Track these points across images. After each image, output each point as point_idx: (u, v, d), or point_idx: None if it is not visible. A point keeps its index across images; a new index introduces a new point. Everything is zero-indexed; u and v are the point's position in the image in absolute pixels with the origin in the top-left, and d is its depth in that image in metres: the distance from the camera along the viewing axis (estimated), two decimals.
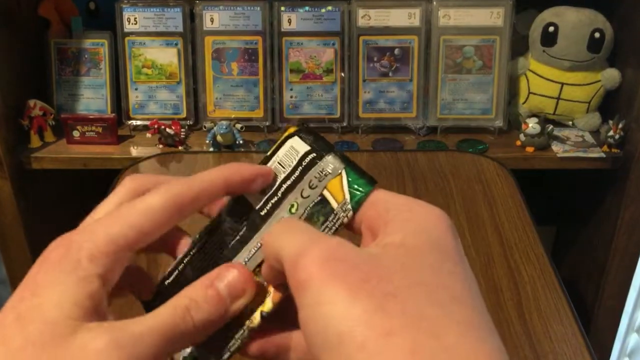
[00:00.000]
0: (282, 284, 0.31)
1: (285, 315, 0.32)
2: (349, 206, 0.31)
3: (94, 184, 1.04)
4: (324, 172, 0.32)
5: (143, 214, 0.30)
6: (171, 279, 0.33)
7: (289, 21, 1.27)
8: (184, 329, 0.28)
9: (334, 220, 0.31)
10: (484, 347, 0.24)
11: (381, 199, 0.30)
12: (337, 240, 0.27)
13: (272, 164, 0.34)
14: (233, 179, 0.32)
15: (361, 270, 0.25)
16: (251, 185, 0.33)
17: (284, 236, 0.28)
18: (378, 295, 0.24)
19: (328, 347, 0.24)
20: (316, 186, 0.32)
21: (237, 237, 0.33)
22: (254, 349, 0.32)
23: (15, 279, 1.32)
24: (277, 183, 0.33)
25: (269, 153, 0.35)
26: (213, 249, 0.33)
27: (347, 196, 0.31)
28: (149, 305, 0.32)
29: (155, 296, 0.33)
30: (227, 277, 0.31)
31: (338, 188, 0.31)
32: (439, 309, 0.25)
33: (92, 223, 0.30)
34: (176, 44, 1.29)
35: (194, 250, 0.33)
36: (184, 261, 0.33)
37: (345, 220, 0.31)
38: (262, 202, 0.33)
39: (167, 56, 1.29)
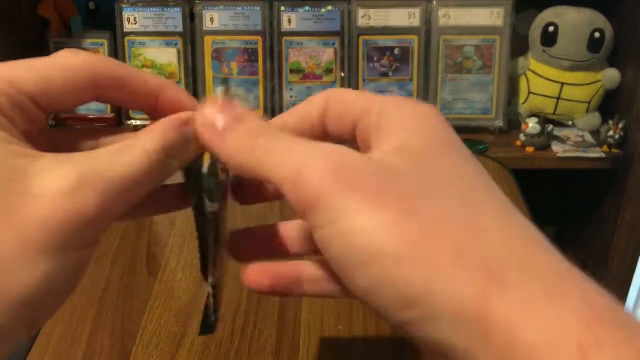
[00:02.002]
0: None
1: (290, 245, 0.31)
2: None
3: None
4: None
5: (55, 66, 0.26)
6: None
7: (289, 21, 1.27)
8: (161, 173, 0.26)
9: None
10: (523, 232, 0.24)
11: (366, 100, 0.28)
12: (337, 147, 0.24)
13: None
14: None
15: (377, 178, 0.23)
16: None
17: (270, 155, 0.25)
18: (402, 201, 0.22)
19: (359, 266, 0.22)
20: None
21: None
22: (263, 285, 0.30)
23: None
24: None
25: None
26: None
27: None
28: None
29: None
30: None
31: None
32: (465, 204, 0.23)
33: None
34: (176, 44, 1.29)
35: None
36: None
37: None
38: None
39: (167, 56, 1.29)
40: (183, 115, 0.27)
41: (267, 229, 0.33)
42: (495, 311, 0.21)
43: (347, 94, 0.29)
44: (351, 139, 0.28)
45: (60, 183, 0.23)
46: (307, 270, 0.30)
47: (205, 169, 0.29)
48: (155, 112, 0.29)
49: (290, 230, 0.33)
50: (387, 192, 0.23)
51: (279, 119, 0.30)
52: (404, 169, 0.24)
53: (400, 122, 0.26)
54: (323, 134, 0.29)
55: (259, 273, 0.30)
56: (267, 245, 0.33)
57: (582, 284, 0.23)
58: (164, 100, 0.29)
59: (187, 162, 0.28)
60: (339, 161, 0.23)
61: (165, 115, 0.28)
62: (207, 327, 0.31)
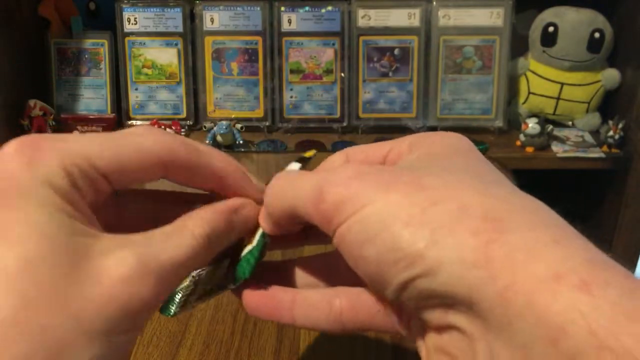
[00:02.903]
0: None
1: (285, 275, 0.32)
2: None
3: None
4: None
5: (129, 144, 0.26)
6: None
7: (289, 21, 1.27)
8: (203, 258, 0.27)
9: None
10: (530, 199, 0.25)
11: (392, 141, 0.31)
12: (355, 164, 0.27)
13: None
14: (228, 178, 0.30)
15: (393, 172, 0.25)
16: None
17: (294, 185, 0.27)
18: (413, 179, 0.24)
19: (371, 239, 0.23)
20: None
21: None
22: (250, 305, 0.30)
23: None
24: None
25: None
26: None
27: None
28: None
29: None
30: (243, 208, 0.29)
31: None
32: (475, 177, 0.25)
33: (65, 136, 0.26)
34: (176, 44, 1.29)
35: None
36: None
37: None
38: None
39: (167, 56, 1.29)
40: (231, 202, 0.29)
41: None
42: (497, 255, 0.21)
43: (367, 147, 0.31)
44: None
45: (120, 267, 0.23)
46: (299, 297, 0.30)
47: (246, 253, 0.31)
48: (221, 192, 0.30)
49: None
50: (400, 178, 0.24)
51: None
52: (418, 165, 0.27)
53: (427, 143, 0.29)
54: None
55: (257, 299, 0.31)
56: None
57: (584, 240, 0.23)
58: (228, 185, 0.30)
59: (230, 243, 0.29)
60: (358, 169, 0.25)
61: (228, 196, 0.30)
62: (166, 307, 0.30)
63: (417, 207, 0.23)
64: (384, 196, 0.24)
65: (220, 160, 0.29)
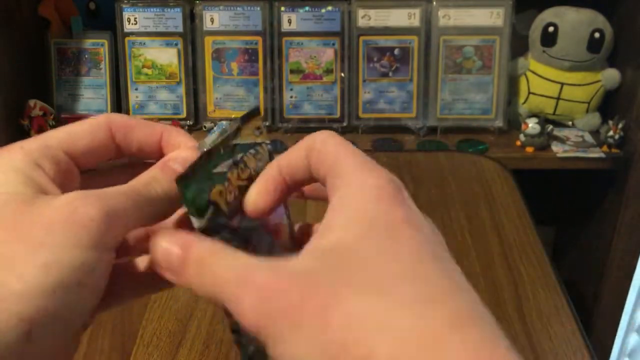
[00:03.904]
0: None
1: None
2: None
3: None
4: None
5: (79, 123, 0.31)
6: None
7: (289, 21, 1.27)
8: (149, 198, 0.29)
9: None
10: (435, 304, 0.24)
11: (331, 155, 0.29)
12: (258, 265, 0.26)
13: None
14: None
15: (292, 295, 0.24)
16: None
17: (216, 286, 0.26)
18: (316, 310, 0.24)
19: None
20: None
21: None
22: None
23: None
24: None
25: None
26: None
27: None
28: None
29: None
30: (180, 156, 0.31)
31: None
32: (382, 301, 0.24)
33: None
34: (176, 44, 1.29)
35: None
36: None
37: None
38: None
39: (167, 56, 1.29)
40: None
41: None
42: None
43: (325, 147, 0.29)
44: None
45: (67, 196, 0.27)
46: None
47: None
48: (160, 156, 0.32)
49: None
50: (303, 310, 0.24)
51: (275, 167, 0.31)
52: (317, 271, 0.25)
53: (346, 203, 0.27)
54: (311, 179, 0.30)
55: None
56: None
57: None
58: (167, 142, 0.32)
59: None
60: (260, 281, 0.25)
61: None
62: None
63: (327, 355, 0.23)
64: (294, 337, 0.23)
65: (158, 123, 0.32)
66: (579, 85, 1.28)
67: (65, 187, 0.29)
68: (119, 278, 0.30)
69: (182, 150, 0.31)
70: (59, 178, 0.29)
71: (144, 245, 0.31)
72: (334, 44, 1.28)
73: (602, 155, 1.24)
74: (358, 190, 0.27)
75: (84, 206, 0.26)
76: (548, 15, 1.27)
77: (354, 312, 0.23)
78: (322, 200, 0.30)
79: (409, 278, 0.24)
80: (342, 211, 0.27)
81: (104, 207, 0.27)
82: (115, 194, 0.28)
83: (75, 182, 0.30)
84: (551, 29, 1.26)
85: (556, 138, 1.28)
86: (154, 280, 0.31)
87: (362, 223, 0.26)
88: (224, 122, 0.32)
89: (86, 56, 1.30)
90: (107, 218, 0.27)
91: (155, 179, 0.30)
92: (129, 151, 0.32)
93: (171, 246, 0.27)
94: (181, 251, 0.27)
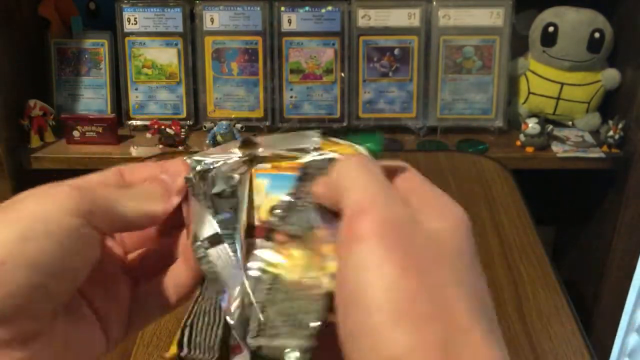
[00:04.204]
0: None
1: None
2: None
3: None
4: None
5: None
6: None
7: (289, 21, 1.27)
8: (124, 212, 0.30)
9: None
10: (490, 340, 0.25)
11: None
12: (398, 204, 0.27)
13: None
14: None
15: (413, 245, 0.26)
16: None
17: (354, 175, 0.28)
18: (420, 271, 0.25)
19: (351, 311, 0.25)
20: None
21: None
22: None
23: None
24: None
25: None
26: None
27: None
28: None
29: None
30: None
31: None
32: (465, 299, 0.25)
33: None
34: (176, 44, 1.29)
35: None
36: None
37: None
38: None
39: (167, 56, 1.29)
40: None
41: None
42: None
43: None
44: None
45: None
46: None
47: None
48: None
49: None
50: (413, 262, 0.25)
51: None
52: (443, 251, 0.27)
53: (442, 212, 0.29)
54: None
55: None
56: None
57: None
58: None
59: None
60: (390, 217, 0.26)
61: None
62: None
63: (406, 300, 0.24)
64: (378, 270, 0.25)
65: None
66: (579, 85, 1.28)
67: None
68: (146, 298, 0.32)
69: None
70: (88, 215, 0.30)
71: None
72: (334, 44, 1.28)
73: (602, 155, 1.24)
74: (450, 211, 0.29)
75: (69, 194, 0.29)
76: (548, 15, 1.27)
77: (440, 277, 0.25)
78: None
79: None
80: (441, 213, 0.28)
81: (87, 195, 0.29)
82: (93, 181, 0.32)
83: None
84: (551, 29, 1.26)
85: (556, 138, 1.28)
86: (177, 299, 0.33)
87: (458, 232, 0.28)
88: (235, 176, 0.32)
89: (86, 56, 1.30)
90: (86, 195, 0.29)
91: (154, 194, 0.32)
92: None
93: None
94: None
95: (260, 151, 0.32)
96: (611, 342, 1.17)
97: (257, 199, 0.32)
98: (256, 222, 0.31)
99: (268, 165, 0.32)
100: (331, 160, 0.31)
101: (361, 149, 0.31)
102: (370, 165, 0.29)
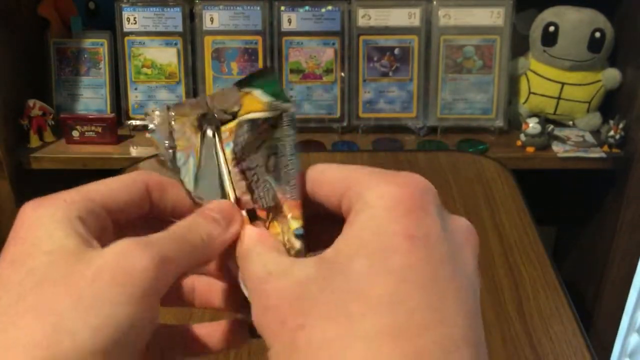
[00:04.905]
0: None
1: None
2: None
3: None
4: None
5: (118, 179, 0.31)
6: None
7: (289, 21, 1.27)
8: (194, 244, 0.29)
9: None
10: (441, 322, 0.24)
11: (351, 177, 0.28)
12: (277, 279, 0.27)
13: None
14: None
15: (283, 308, 0.26)
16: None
17: (246, 263, 0.29)
18: (292, 329, 0.25)
19: None
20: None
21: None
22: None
23: None
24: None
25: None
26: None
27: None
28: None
29: None
30: (214, 205, 0.31)
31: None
32: (352, 334, 0.24)
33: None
34: (176, 44, 1.28)
35: None
36: None
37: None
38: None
39: (166, 56, 1.29)
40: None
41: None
42: None
43: (328, 172, 0.30)
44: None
45: (115, 246, 0.26)
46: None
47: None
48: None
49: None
50: (284, 327, 0.25)
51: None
52: (310, 281, 0.25)
53: (358, 215, 0.26)
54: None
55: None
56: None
57: None
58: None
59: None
60: (268, 294, 0.26)
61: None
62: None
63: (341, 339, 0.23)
64: (273, 343, 0.26)
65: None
66: (580, 85, 1.28)
67: (101, 241, 0.28)
68: (173, 341, 0.32)
69: (218, 202, 0.31)
70: (98, 232, 0.28)
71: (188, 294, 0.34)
72: (334, 44, 1.28)
73: (603, 155, 1.23)
74: (374, 200, 0.26)
75: (135, 256, 0.26)
76: (548, 14, 1.27)
77: (317, 340, 0.24)
78: None
79: (387, 303, 0.23)
80: (353, 223, 0.26)
81: (155, 256, 0.26)
82: (165, 240, 0.28)
83: (110, 237, 0.29)
84: (552, 28, 1.26)
85: (557, 138, 1.27)
86: (205, 346, 0.33)
87: (362, 236, 0.25)
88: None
89: (86, 56, 1.30)
90: (159, 266, 0.26)
91: (198, 224, 0.29)
92: (164, 210, 0.32)
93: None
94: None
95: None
96: (612, 342, 1.17)
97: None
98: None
99: (226, 134, 0.33)
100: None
101: (260, 95, 0.31)
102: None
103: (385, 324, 0.23)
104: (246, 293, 0.29)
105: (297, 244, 0.29)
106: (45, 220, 0.27)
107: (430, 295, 0.24)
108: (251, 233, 0.30)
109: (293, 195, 0.30)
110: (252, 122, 0.31)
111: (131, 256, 0.26)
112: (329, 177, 0.29)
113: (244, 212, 0.31)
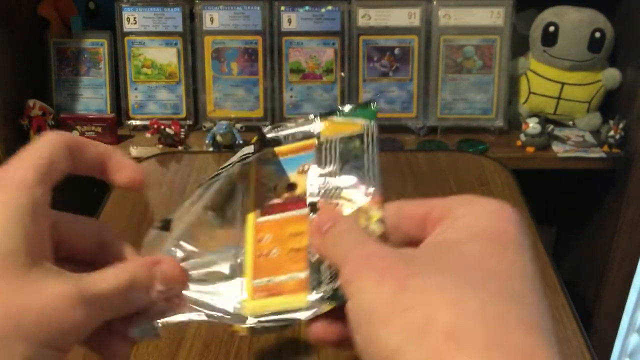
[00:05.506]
0: None
1: None
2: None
3: (94, 185, 1.04)
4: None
5: (40, 144, 0.33)
6: None
7: (289, 21, 1.27)
8: (132, 301, 0.31)
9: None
10: (512, 317, 0.25)
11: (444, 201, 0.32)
12: (377, 243, 0.30)
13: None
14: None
15: (390, 260, 0.28)
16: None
17: (338, 242, 0.31)
18: (401, 276, 0.27)
19: (360, 326, 0.27)
20: None
21: None
22: (316, 333, 0.33)
23: None
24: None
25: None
26: None
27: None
28: None
29: None
30: (163, 271, 0.33)
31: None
32: (463, 284, 0.26)
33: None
34: (176, 44, 1.28)
35: None
36: None
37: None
38: None
39: (166, 56, 1.29)
40: (151, 258, 0.34)
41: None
42: None
43: (405, 204, 0.33)
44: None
45: (60, 286, 0.28)
46: None
47: None
48: (105, 174, 0.35)
49: None
50: (391, 270, 0.27)
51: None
52: (418, 255, 0.29)
53: (469, 219, 0.30)
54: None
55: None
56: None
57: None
58: (112, 163, 0.35)
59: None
60: (370, 251, 0.29)
61: (113, 178, 0.35)
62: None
63: (396, 308, 0.26)
64: (375, 288, 0.27)
65: (103, 144, 0.35)
66: (580, 85, 1.28)
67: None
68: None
69: (163, 264, 0.34)
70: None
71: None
72: (334, 44, 1.28)
73: (603, 155, 1.23)
74: (476, 209, 0.30)
75: (73, 312, 0.28)
76: (548, 14, 1.27)
77: (431, 284, 0.26)
78: None
79: (501, 276, 0.26)
80: (458, 220, 0.29)
81: (90, 313, 0.29)
82: (104, 297, 0.30)
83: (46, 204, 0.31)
84: (552, 28, 1.26)
85: (557, 138, 1.27)
86: None
87: (473, 229, 0.29)
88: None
89: (86, 56, 1.30)
90: (90, 320, 0.29)
91: (139, 280, 0.32)
92: (83, 169, 0.34)
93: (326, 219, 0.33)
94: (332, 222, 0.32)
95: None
96: (612, 342, 1.17)
97: (292, 178, 0.37)
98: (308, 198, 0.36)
99: (285, 149, 0.38)
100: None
101: (359, 121, 0.38)
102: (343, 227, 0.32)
103: (503, 290, 0.26)
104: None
105: (380, 227, 0.32)
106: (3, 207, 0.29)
107: (535, 287, 0.27)
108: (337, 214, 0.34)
109: (375, 194, 0.34)
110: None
111: (71, 308, 0.28)
112: (407, 210, 0.32)
113: (307, 207, 0.35)
